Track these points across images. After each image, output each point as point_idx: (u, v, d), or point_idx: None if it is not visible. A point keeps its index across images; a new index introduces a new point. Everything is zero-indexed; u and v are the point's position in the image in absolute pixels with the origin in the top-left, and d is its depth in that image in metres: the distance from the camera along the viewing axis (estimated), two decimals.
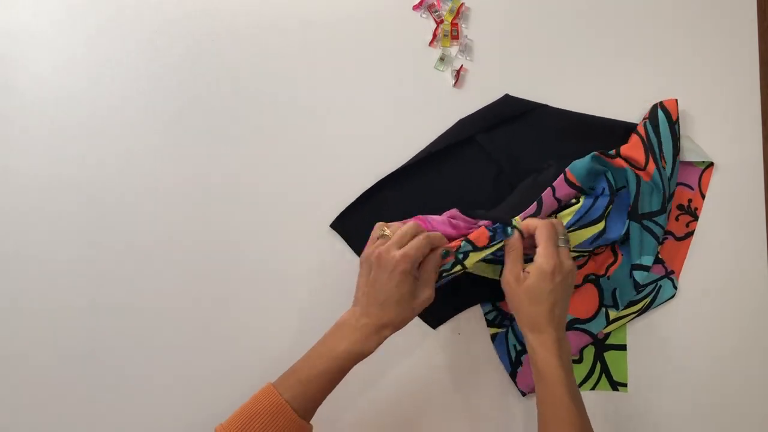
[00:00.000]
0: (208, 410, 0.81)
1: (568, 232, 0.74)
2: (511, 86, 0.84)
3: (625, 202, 0.76)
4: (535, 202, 0.75)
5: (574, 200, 0.76)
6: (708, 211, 0.83)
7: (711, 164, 0.82)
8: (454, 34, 0.84)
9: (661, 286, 0.80)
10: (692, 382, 0.81)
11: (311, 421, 0.67)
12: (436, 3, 0.84)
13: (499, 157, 0.81)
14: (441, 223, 0.74)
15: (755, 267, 0.83)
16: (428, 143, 0.82)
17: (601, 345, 0.81)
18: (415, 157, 0.82)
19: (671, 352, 0.81)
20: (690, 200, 0.82)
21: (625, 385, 0.81)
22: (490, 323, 0.81)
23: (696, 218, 0.82)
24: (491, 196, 0.81)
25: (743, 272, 0.83)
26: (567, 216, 0.75)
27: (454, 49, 0.84)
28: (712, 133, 0.84)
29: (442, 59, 0.84)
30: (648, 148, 0.77)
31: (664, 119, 0.78)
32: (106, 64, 0.84)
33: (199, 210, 0.82)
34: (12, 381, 0.80)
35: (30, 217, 0.82)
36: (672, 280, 0.81)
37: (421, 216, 0.75)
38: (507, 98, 0.83)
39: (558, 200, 0.75)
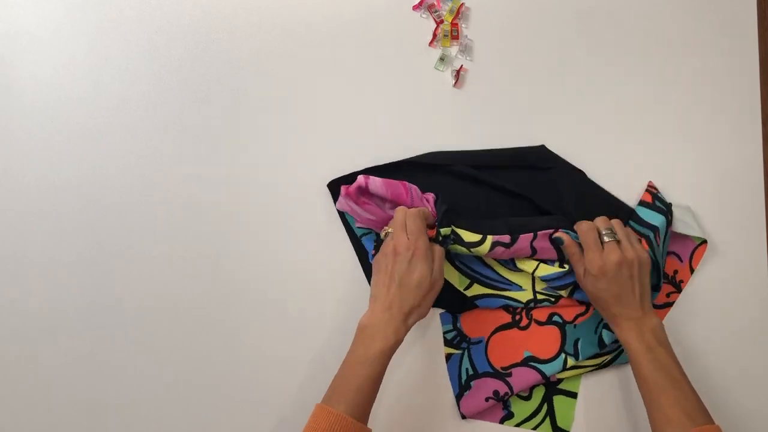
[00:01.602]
0: (209, 410, 0.81)
1: (544, 281, 0.77)
2: (511, 86, 0.84)
3: None
4: (509, 236, 0.74)
5: (557, 263, 0.77)
6: (708, 211, 0.83)
7: (704, 242, 0.81)
8: (454, 34, 0.84)
9: (623, 349, 0.79)
10: None
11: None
12: (436, 3, 0.84)
13: (509, 190, 0.81)
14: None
15: (756, 267, 0.83)
16: (430, 143, 0.82)
17: (552, 387, 0.81)
18: (434, 154, 0.81)
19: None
20: (676, 272, 0.81)
21: None
22: (447, 342, 0.81)
23: (679, 290, 0.82)
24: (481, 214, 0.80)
25: (744, 273, 0.83)
26: (547, 271, 0.76)
27: (454, 49, 0.84)
28: (712, 133, 0.84)
29: (442, 59, 0.84)
30: (643, 235, 0.78)
31: (646, 212, 0.79)
32: (106, 64, 0.84)
33: (199, 210, 0.82)
34: (12, 381, 0.81)
35: (30, 217, 0.82)
36: None
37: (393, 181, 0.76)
38: (542, 149, 0.82)
39: (534, 249, 0.75)
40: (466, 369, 0.80)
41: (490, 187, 0.80)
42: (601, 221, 0.75)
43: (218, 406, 0.81)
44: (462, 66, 0.84)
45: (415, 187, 0.77)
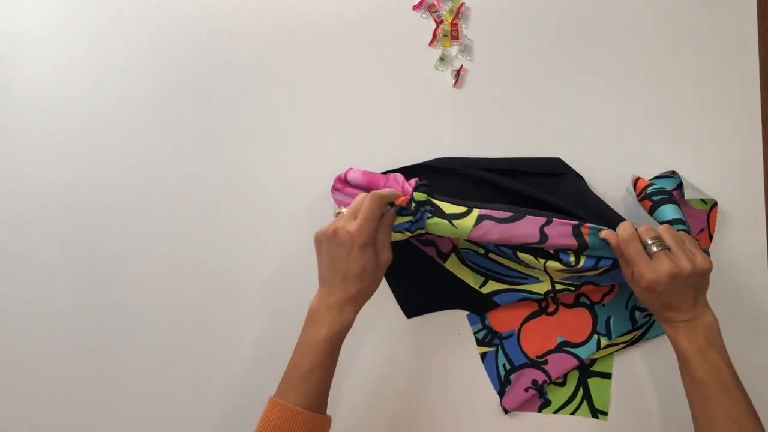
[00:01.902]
0: (210, 410, 0.81)
1: (560, 272, 0.73)
2: (511, 86, 0.84)
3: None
4: (509, 213, 0.71)
5: (572, 255, 0.71)
6: None
7: (715, 204, 0.80)
8: (454, 34, 0.84)
9: (654, 321, 0.80)
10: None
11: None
12: (436, 3, 0.84)
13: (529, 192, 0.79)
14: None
15: (756, 267, 0.83)
16: (430, 143, 0.82)
17: (586, 370, 0.81)
18: (452, 159, 0.82)
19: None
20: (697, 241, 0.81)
21: (605, 413, 0.80)
22: (479, 342, 0.81)
23: None
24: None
25: (744, 273, 0.82)
26: (560, 268, 0.72)
27: (454, 49, 0.84)
28: (713, 133, 0.84)
29: (442, 59, 0.84)
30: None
31: (663, 209, 0.74)
32: (106, 64, 0.84)
33: (199, 210, 0.82)
34: (11, 382, 0.81)
35: (29, 217, 0.82)
36: None
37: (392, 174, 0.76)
38: (557, 161, 0.82)
39: (544, 234, 0.70)
40: (503, 364, 0.80)
41: (509, 193, 0.79)
42: (645, 230, 0.66)
43: (221, 405, 0.81)
44: (462, 66, 0.84)
45: (398, 175, 0.76)
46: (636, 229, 0.67)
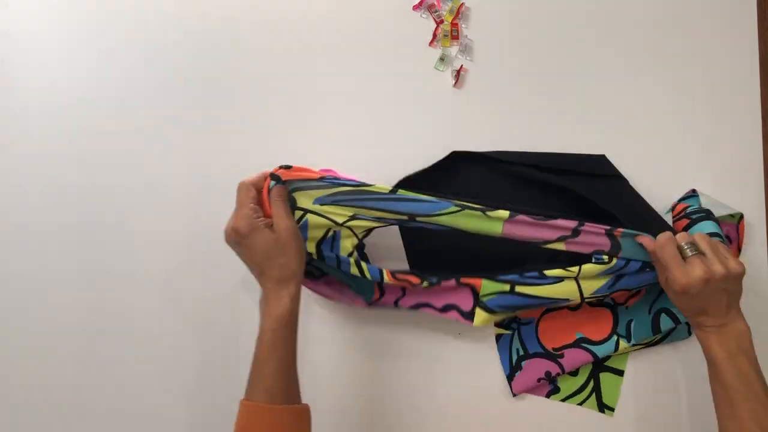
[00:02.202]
0: (210, 410, 0.81)
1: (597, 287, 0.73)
2: (511, 86, 0.84)
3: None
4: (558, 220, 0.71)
5: (605, 255, 0.71)
6: None
7: (742, 216, 0.80)
8: (454, 34, 0.84)
9: (676, 328, 0.79)
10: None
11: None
12: (436, 3, 0.84)
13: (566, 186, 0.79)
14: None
15: (755, 267, 0.83)
16: (430, 143, 0.82)
17: (599, 365, 0.81)
18: (497, 152, 0.82)
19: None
20: None
21: (612, 409, 0.80)
22: (497, 323, 0.81)
23: None
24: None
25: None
26: (595, 271, 0.72)
27: (454, 49, 0.84)
28: (713, 132, 0.84)
29: (442, 59, 0.84)
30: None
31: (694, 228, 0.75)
32: (106, 64, 0.84)
33: (199, 209, 0.82)
34: (12, 382, 0.80)
35: (29, 216, 0.82)
36: (689, 325, 0.80)
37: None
38: (602, 158, 0.82)
39: (576, 231, 0.71)
40: (517, 349, 0.80)
41: (545, 189, 0.79)
42: (681, 236, 0.68)
43: (220, 405, 0.81)
44: (462, 66, 0.84)
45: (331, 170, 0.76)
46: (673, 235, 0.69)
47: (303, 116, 0.84)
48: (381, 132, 0.83)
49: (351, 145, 0.83)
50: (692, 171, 0.83)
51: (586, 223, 0.71)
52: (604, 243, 0.71)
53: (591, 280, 0.73)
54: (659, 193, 0.82)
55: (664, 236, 0.68)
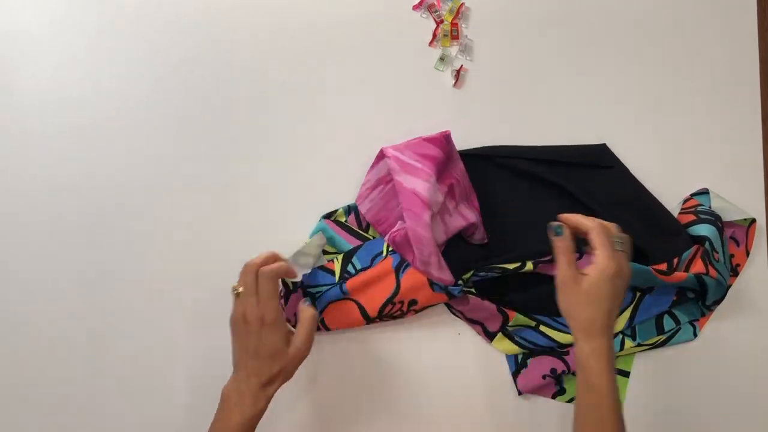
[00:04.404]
0: (210, 410, 0.81)
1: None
2: (511, 86, 0.84)
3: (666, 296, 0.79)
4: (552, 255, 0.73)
5: None
6: None
7: (754, 221, 0.81)
8: (454, 34, 0.84)
9: (681, 328, 0.80)
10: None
11: None
12: (436, 3, 0.84)
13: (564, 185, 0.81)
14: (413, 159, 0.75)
15: (756, 266, 0.83)
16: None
17: None
18: (492, 147, 0.82)
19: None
20: (732, 255, 0.81)
21: None
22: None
23: (736, 274, 0.81)
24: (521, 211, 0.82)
25: (744, 272, 0.82)
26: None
27: (454, 49, 0.84)
28: (713, 132, 0.84)
29: (442, 59, 0.84)
30: (706, 262, 0.76)
31: (695, 228, 0.78)
32: (106, 64, 0.84)
33: (199, 209, 0.82)
34: (11, 382, 0.81)
35: (29, 217, 0.82)
36: (694, 327, 0.80)
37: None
38: (604, 147, 0.83)
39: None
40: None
41: (543, 183, 0.80)
42: (614, 227, 0.67)
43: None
44: (462, 66, 0.84)
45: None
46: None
47: (303, 116, 0.84)
48: (381, 132, 0.83)
49: (351, 145, 0.83)
50: (692, 171, 0.84)
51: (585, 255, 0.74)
52: None
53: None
54: (659, 193, 0.82)
55: (603, 223, 0.67)
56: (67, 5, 0.84)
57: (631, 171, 0.82)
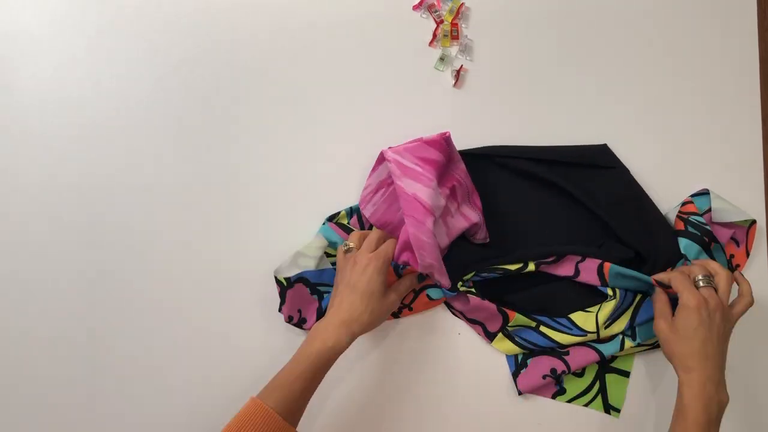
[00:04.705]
0: (208, 410, 0.81)
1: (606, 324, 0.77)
2: (511, 86, 0.84)
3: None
4: (555, 256, 0.77)
5: (608, 289, 0.77)
6: None
7: (754, 222, 0.81)
8: (454, 34, 0.84)
9: None
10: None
11: (299, 427, 0.68)
12: (436, 3, 0.84)
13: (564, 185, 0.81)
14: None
15: (756, 266, 0.83)
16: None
17: (605, 365, 0.81)
18: (493, 147, 0.82)
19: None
20: (732, 256, 0.81)
21: (618, 410, 0.80)
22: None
23: None
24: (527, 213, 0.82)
25: (744, 272, 0.82)
26: (606, 310, 0.77)
27: (454, 49, 0.84)
28: (713, 132, 0.84)
29: (442, 59, 0.84)
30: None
31: (683, 242, 0.78)
32: (106, 64, 0.84)
33: (199, 209, 0.82)
34: (11, 382, 0.81)
35: (29, 217, 0.82)
36: None
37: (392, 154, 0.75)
38: (604, 147, 0.83)
39: (577, 270, 0.78)
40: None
41: (543, 183, 0.81)
42: (696, 268, 0.72)
43: (221, 407, 0.81)
44: (462, 66, 0.84)
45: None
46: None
47: (303, 116, 0.84)
48: (381, 131, 0.83)
49: (351, 145, 0.83)
50: (692, 171, 0.83)
51: (587, 258, 0.77)
52: (594, 280, 0.78)
53: (610, 328, 0.78)
54: (659, 193, 0.82)
55: (681, 269, 0.73)
56: (67, 5, 0.84)
57: (631, 171, 0.82)
